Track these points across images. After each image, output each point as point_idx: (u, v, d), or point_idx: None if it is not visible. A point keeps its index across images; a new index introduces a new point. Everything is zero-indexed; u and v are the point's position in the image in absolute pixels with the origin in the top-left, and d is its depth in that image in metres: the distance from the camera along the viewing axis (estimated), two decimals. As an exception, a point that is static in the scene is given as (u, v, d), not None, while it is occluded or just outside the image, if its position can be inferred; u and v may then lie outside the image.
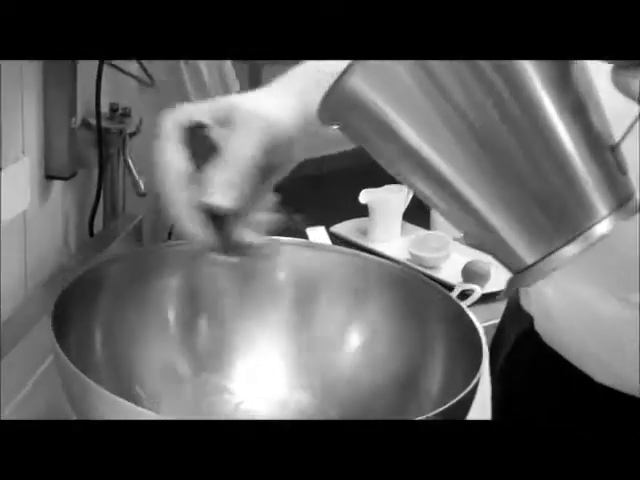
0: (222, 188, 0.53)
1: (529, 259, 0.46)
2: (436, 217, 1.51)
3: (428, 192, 0.46)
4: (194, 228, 0.54)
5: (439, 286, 0.68)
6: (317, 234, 1.41)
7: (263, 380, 0.72)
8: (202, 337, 0.72)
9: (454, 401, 0.55)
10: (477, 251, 1.43)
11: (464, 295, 1.09)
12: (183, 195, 0.54)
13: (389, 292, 0.70)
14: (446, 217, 0.48)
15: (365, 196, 1.44)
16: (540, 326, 0.78)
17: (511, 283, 0.48)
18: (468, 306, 0.81)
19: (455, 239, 1.43)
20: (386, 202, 1.45)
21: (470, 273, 1.30)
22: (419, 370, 0.67)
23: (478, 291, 0.83)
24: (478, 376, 0.58)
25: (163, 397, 0.69)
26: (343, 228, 1.50)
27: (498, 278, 1.31)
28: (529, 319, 0.80)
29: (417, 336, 0.68)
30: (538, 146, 0.44)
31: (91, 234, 1.16)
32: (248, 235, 0.56)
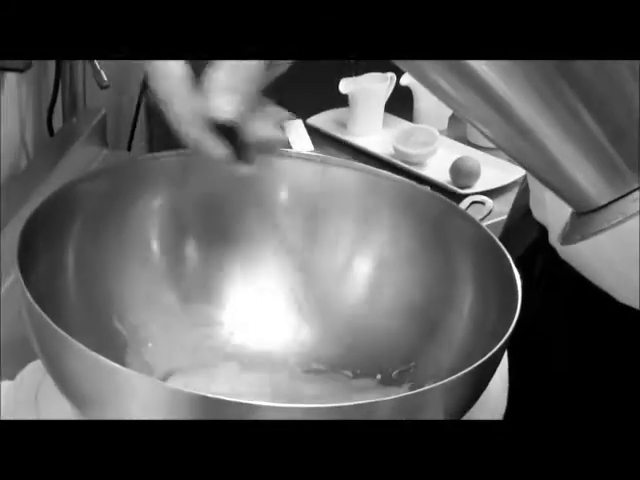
0: (225, 93, 0.49)
1: (603, 198, 0.39)
2: (420, 108, 1.42)
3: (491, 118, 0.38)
4: (201, 136, 0.49)
5: (460, 208, 0.60)
6: (293, 127, 1.31)
7: (257, 311, 0.64)
8: (190, 264, 0.63)
9: (487, 357, 0.47)
10: (466, 147, 1.35)
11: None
12: (186, 101, 0.49)
13: (403, 214, 0.61)
14: (507, 148, 0.40)
15: (345, 85, 1.34)
16: (554, 238, 0.72)
17: (577, 226, 0.41)
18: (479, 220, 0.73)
19: (442, 133, 1.35)
20: (368, 92, 1.35)
21: (459, 171, 1.22)
22: (440, 306, 0.59)
23: (489, 204, 0.76)
24: (514, 321, 0.50)
25: (146, 332, 0.61)
26: (321, 120, 1.41)
27: (487, 176, 1.24)
28: (540, 230, 0.74)
29: (437, 265, 0.60)
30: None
31: (51, 133, 1.05)
32: (260, 139, 0.51)
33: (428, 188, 0.62)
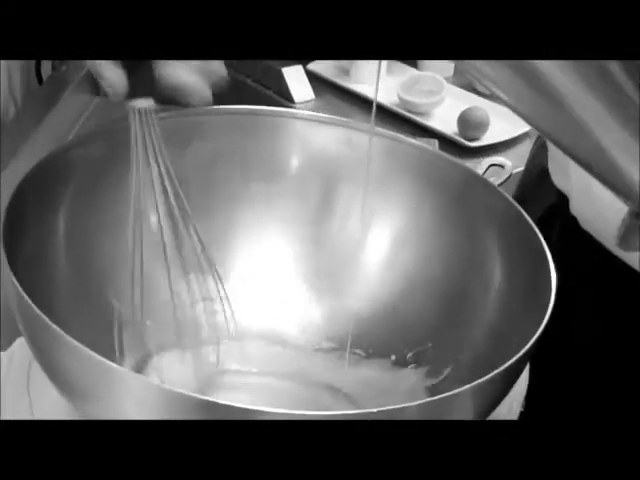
0: None
1: None
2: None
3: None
4: (106, 69, 0.45)
5: (485, 178, 0.55)
6: (293, 73, 1.25)
7: (264, 285, 0.59)
8: (190, 235, 0.58)
9: (526, 349, 0.43)
10: (473, 96, 1.30)
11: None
12: None
13: (424, 183, 0.56)
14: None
15: (348, 31, 1.28)
16: (578, 208, 0.67)
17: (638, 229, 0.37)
18: (498, 185, 0.69)
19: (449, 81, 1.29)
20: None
21: (467, 122, 1.17)
22: (462, 283, 0.55)
23: (509, 167, 0.71)
24: (550, 306, 0.46)
25: (144, 305, 0.56)
26: (322, 66, 1.34)
27: (496, 127, 1.19)
28: (558, 195, 0.70)
29: (459, 240, 0.55)
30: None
31: (39, 81, 0.99)
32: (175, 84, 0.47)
33: (450, 156, 0.56)
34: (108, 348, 0.54)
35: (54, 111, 0.91)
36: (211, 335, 0.58)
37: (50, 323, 0.40)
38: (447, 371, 0.55)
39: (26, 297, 0.41)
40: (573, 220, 0.68)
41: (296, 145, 0.58)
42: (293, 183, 0.59)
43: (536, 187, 0.77)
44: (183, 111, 0.55)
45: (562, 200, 0.70)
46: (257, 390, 0.54)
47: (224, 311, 0.59)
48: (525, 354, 0.43)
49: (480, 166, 0.72)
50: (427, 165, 0.57)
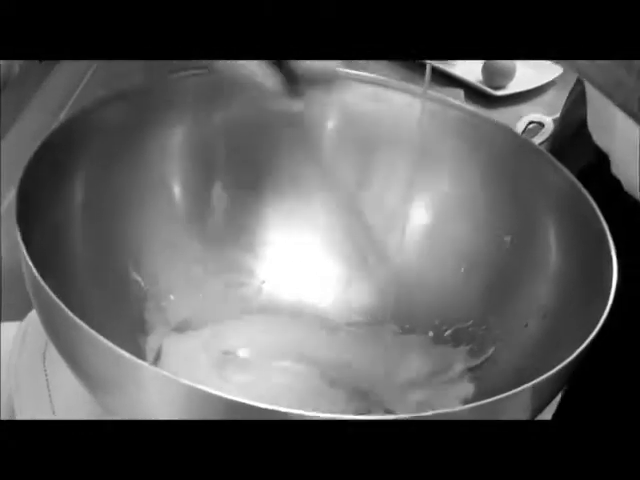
0: None
1: None
2: None
3: None
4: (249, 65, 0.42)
5: (537, 145, 0.51)
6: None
7: (293, 257, 0.56)
8: (217, 203, 0.54)
9: (591, 337, 0.39)
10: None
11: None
12: None
13: (468, 149, 0.52)
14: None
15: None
16: (622, 169, 0.63)
17: None
18: (539, 144, 0.65)
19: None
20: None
21: (492, 70, 1.12)
22: (509, 257, 0.51)
23: (549, 125, 0.67)
24: (613, 287, 0.42)
25: (167, 282, 0.53)
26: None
27: (521, 75, 1.14)
28: (597, 154, 0.66)
29: (507, 211, 0.51)
30: None
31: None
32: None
33: (497, 120, 0.52)
34: (129, 324, 0.50)
35: (61, 66, 0.86)
36: (236, 308, 0.54)
37: (68, 311, 0.36)
38: (490, 351, 0.51)
39: (42, 282, 0.37)
40: (614, 182, 0.65)
41: (332, 106, 0.54)
42: (327, 146, 0.55)
43: (571, 144, 0.73)
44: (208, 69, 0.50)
45: (601, 160, 0.66)
46: (279, 375, 0.51)
47: (250, 284, 0.55)
48: (590, 343, 0.40)
49: (519, 125, 0.68)
50: (473, 129, 0.52)
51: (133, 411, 0.39)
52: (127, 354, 0.35)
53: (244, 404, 0.34)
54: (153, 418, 0.38)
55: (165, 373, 0.35)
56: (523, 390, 0.37)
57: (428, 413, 0.35)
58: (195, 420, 0.36)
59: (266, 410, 0.34)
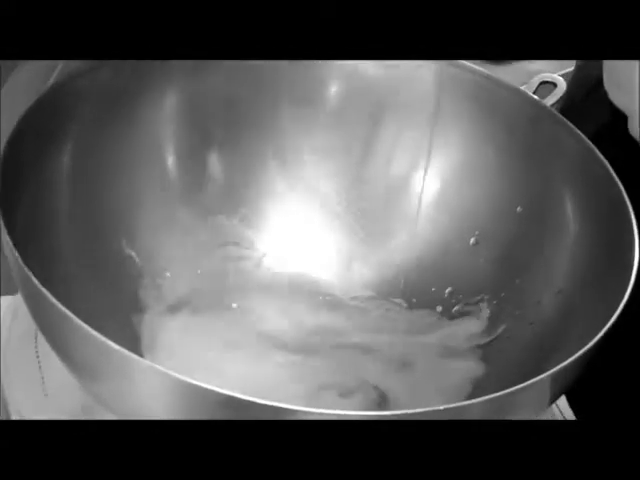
0: None
1: None
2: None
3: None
4: None
5: (554, 111, 0.48)
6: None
7: (294, 228, 0.53)
8: (213, 173, 0.51)
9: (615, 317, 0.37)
10: None
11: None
12: None
13: (481, 115, 0.49)
14: None
15: None
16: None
17: None
18: (551, 105, 0.61)
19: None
20: None
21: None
22: (523, 229, 0.48)
23: (562, 85, 0.64)
24: (635, 270, 0.39)
25: (162, 257, 0.50)
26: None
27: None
28: (612, 113, 0.63)
29: (521, 180, 0.48)
30: None
31: None
32: None
33: (509, 82, 0.49)
34: (123, 304, 0.48)
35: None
36: (236, 284, 0.52)
37: (56, 302, 0.34)
38: (501, 329, 0.49)
39: (28, 272, 0.35)
40: (632, 143, 0.62)
41: (335, 68, 0.51)
42: (332, 111, 0.52)
43: (585, 103, 0.70)
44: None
45: (618, 119, 0.63)
46: (279, 355, 0.49)
47: (250, 258, 0.53)
48: (613, 325, 0.37)
49: (530, 84, 0.65)
50: (485, 92, 0.49)
51: (123, 401, 0.37)
52: (116, 345, 0.33)
53: (235, 398, 0.32)
54: (142, 407, 0.36)
55: (155, 366, 0.33)
56: (536, 382, 0.35)
57: (439, 408, 0.33)
58: (189, 420, 0.34)
59: (260, 405, 0.32)
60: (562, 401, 0.50)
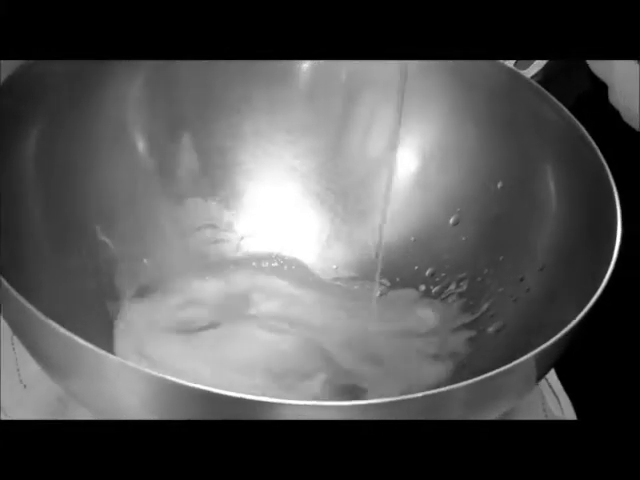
0: None
1: None
2: None
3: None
4: None
5: (531, 80, 0.47)
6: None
7: (273, 209, 0.52)
8: (186, 153, 0.50)
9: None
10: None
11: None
12: None
13: (458, 87, 0.48)
14: None
15: None
16: (621, 99, 0.60)
17: None
18: (532, 76, 0.60)
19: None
20: None
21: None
22: (505, 205, 0.47)
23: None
24: (617, 246, 0.38)
25: (139, 243, 0.49)
26: None
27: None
28: (593, 83, 0.63)
29: (501, 155, 0.47)
30: None
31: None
32: None
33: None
34: (98, 291, 0.47)
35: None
36: (214, 267, 0.51)
37: (25, 302, 0.33)
38: (485, 306, 0.48)
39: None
40: (612, 112, 0.61)
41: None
42: (305, 87, 0.51)
43: (564, 71, 0.69)
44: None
45: (598, 88, 0.62)
46: (259, 337, 0.48)
47: (228, 240, 0.52)
48: (597, 300, 0.36)
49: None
50: (463, 65, 0.48)
51: (95, 397, 0.36)
52: (84, 342, 0.32)
53: (205, 391, 0.31)
54: (114, 402, 0.35)
55: (126, 363, 0.32)
56: (521, 363, 0.34)
57: (417, 395, 0.32)
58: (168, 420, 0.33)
59: (233, 398, 0.31)
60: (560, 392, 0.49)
